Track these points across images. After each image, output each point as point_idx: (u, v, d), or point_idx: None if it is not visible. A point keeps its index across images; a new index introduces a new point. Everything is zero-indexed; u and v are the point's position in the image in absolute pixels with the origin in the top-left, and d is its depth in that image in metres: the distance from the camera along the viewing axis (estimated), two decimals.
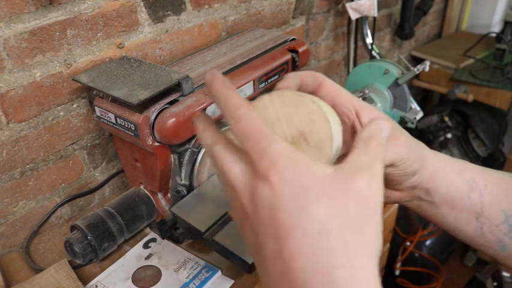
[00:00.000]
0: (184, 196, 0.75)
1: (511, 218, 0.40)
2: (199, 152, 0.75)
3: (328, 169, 0.27)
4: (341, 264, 0.25)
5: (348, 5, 1.27)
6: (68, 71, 0.78)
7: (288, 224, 0.25)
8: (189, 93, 0.70)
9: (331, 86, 0.36)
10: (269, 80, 0.83)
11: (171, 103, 0.68)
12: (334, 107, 0.36)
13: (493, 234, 0.40)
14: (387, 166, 0.36)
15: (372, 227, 0.26)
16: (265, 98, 0.33)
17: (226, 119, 0.29)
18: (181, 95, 0.69)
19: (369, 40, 1.43)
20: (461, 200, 0.40)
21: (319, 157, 0.32)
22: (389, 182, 0.39)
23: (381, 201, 0.28)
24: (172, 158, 0.73)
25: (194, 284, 0.70)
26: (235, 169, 0.29)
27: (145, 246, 0.79)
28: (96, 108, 0.70)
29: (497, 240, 0.40)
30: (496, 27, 1.97)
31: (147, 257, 0.76)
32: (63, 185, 0.85)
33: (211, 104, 0.71)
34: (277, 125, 0.32)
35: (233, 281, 0.71)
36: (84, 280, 0.72)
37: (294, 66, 0.90)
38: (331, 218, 0.25)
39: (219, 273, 0.72)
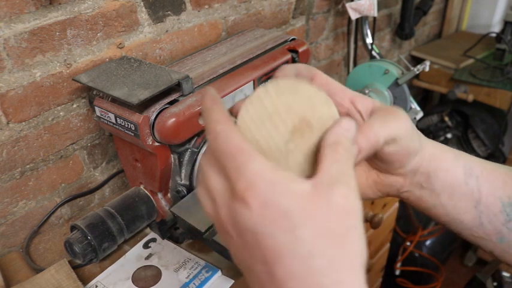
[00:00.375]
0: (184, 196, 0.75)
1: (508, 207, 0.40)
2: (199, 152, 0.75)
3: (306, 186, 0.27)
4: (330, 282, 0.25)
5: (348, 5, 1.27)
6: (68, 71, 0.78)
7: (275, 249, 0.26)
8: (189, 93, 0.70)
9: (324, 78, 0.37)
10: (269, 80, 0.83)
11: (171, 103, 0.68)
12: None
13: (492, 225, 0.40)
14: (389, 144, 0.36)
15: (355, 239, 0.27)
16: (260, 91, 0.32)
17: (206, 134, 0.29)
18: (181, 95, 0.69)
19: (369, 40, 1.43)
20: (459, 186, 0.40)
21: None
22: (392, 165, 0.38)
23: (360, 209, 0.28)
24: (172, 158, 0.73)
25: (194, 284, 0.70)
26: (215, 181, 0.29)
27: (145, 246, 0.79)
28: (96, 108, 0.70)
29: (496, 231, 0.40)
30: (496, 27, 1.97)
31: (147, 257, 0.76)
32: (63, 185, 0.85)
33: None
34: (276, 116, 0.31)
35: (233, 281, 0.71)
36: (84, 280, 0.72)
37: None
38: (317, 237, 0.26)
39: (219, 273, 0.72)
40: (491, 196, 0.40)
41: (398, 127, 0.35)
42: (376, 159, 0.39)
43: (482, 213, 0.40)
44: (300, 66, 0.36)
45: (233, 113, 0.33)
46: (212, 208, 0.29)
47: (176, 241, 0.80)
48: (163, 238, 0.80)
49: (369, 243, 1.18)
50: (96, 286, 0.71)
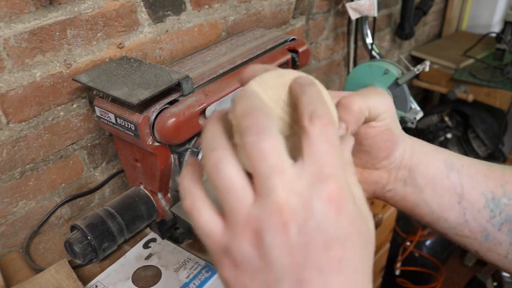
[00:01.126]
0: None
1: (491, 202, 0.39)
2: (199, 152, 0.75)
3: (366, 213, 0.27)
4: None
5: (348, 5, 1.27)
6: (68, 71, 0.78)
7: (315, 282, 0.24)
8: (189, 93, 0.70)
9: None
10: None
11: (171, 103, 0.68)
12: None
13: (476, 221, 0.39)
14: (374, 121, 0.35)
15: (371, 252, 0.27)
16: (249, 87, 0.29)
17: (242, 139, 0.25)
18: (181, 95, 0.69)
19: (369, 40, 1.43)
20: (441, 179, 0.39)
21: None
22: (378, 153, 0.38)
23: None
24: (172, 158, 0.73)
25: (194, 284, 0.70)
26: (291, 170, 0.25)
27: (145, 246, 0.79)
28: (96, 108, 0.70)
29: (481, 228, 0.39)
30: (496, 27, 1.97)
31: (147, 257, 0.76)
32: (63, 185, 0.85)
33: (211, 104, 0.71)
34: (270, 112, 0.29)
35: None
36: (84, 280, 0.72)
37: (294, 66, 0.90)
38: (356, 257, 0.25)
39: None
40: (474, 191, 0.39)
41: (380, 101, 0.35)
42: (362, 149, 0.38)
43: (467, 209, 0.39)
44: (269, 67, 0.33)
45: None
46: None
47: (176, 241, 0.80)
48: (163, 238, 0.80)
49: None
50: (96, 286, 0.71)
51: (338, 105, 0.34)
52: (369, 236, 0.27)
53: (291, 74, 0.30)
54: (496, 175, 0.40)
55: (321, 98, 0.27)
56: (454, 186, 0.39)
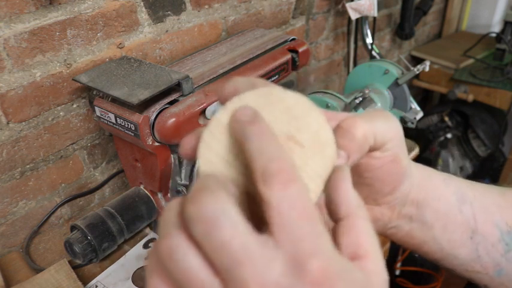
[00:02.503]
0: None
1: (507, 236, 0.35)
2: None
3: (361, 275, 0.22)
4: None
5: (348, 5, 1.27)
6: (68, 71, 0.78)
7: None
8: (189, 93, 0.70)
9: None
10: (269, 80, 0.83)
11: (171, 103, 0.68)
12: None
13: (490, 256, 0.35)
14: (379, 149, 0.30)
15: None
16: (221, 116, 0.25)
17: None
18: (181, 95, 0.69)
19: (369, 40, 1.43)
20: (453, 215, 0.35)
21: (323, 154, 0.25)
22: (382, 186, 0.32)
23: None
24: (172, 158, 0.73)
25: None
26: (262, 254, 0.20)
27: (146, 246, 0.79)
28: (96, 108, 0.70)
29: (494, 263, 0.35)
30: (496, 27, 1.97)
31: (147, 257, 0.76)
32: (63, 185, 0.85)
33: (211, 104, 0.71)
34: None
35: None
36: (84, 280, 0.72)
37: (294, 66, 0.90)
38: None
39: None
40: (487, 224, 0.35)
41: (389, 127, 0.30)
42: (362, 182, 0.32)
43: (479, 244, 0.35)
44: (255, 81, 0.27)
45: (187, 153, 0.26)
46: None
47: None
48: None
49: None
50: (96, 286, 0.71)
51: (337, 128, 0.28)
52: None
53: (279, 94, 0.25)
54: (509, 204, 0.36)
55: (271, 140, 0.22)
56: (467, 221, 0.35)
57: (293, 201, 0.20)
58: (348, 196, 0.25)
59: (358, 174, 0.31)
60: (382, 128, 0.29)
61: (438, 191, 0.35)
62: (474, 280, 0.37)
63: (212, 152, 0.24)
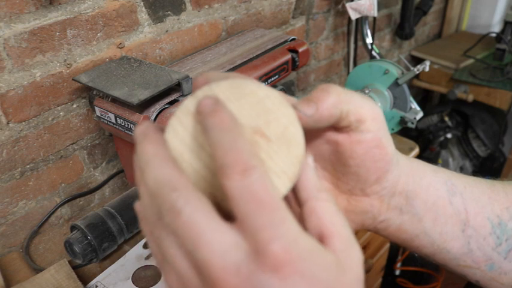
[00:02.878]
0: None
1: (498, 228, 0.35)
2: None
3: (331, 256, 0.23)
4: None
5: (348, 5, 1.27)
6: (68, 71, 0.78)
7: None
8: (189, 93, 0.70)
9: None
10: (269, 80, 0.83)
11: (171, 103, 0.68)
12: None
13: (481, 250, 0.35)
14: (357, 128, 0.29)
15: None
16: (189, 103, 0.24)
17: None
18: (181, 95, 0.69)
19: (368, 40, 1.43)
20: (443, 206, 0.34)
21: (290, 150, 0.25)
22: (368, 174, 0.31)
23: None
24: None
25: None
26: (223, 240, 0.21)
27: (145, 246, 0.79)
28: (96, 108, 0.70)
29: (486, 257, 0.35)
30: (496, 27, 1.97)
31: (147, 257, 0.76)
32: (63, 185, 0.85)
33: None
34: None
35: None
36: (84, 280, 0.72)
37: (294, 66, 0.90)
38: None
39: None
40: (479, 216, 0.34)
41: (366, 104, 0.29)
42: (348, 171, 0.32)
43: (471, 237, 0.35)
44: (229, 74, 0.28)
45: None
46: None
47: None
48: None
49: (369, 243, 1.18)
50: (96, 286, 0.71)
51: (315, 89, 0.29)
52: (349, 277, 0.23)
53: (250, 86, 0.25)
54: (500, 196, 0.35)
55: (230, 131, 0.22)
56: (457, 213, 0.34)
57: (251, 190, 0.21)
58: (308, 181, 0.26)
59: (343, 163, 0.31)
60: (359, 102, 0.29)
61: (427, 182, 0.34)
62: (466, 275, 0.37)
63: (178, 138, 0.24)
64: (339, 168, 0.31)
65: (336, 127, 0.30)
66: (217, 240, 0.21)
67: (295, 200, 0.28)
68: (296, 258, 0.20)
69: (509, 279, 0.36)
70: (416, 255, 1.62)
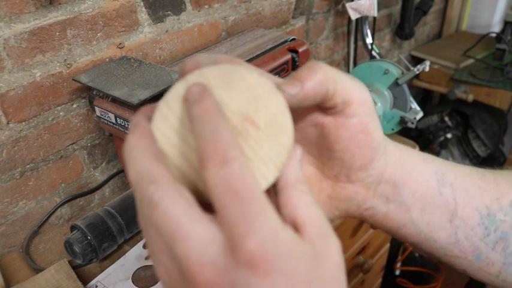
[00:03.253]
0: None
1: (487, 219, 0.34)
2: None
3: (307, 247, 0.22)
4: None
5: (348, 5, 1.27)
6: (68, 71, 0.78)
7: None
8: None
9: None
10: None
11: None
12: None
13: (468, 240, 0.34)
14: (344, 110, 0.29)
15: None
16: (178, 88, 0.24)
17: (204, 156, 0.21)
18: None
19: (368, 40, 1.43)
20: (432, 197, 0.33)
21: (278, 139, 0.25)
22: (353, 160, 0.31)
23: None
24: None
25: None
26: (201, 234, 0.21)
27: (145, 246, 0.79)
28: (96, 108, 0.70)
29: (473, 247, 0.34)
30: (496, 27, 1.97)
31: (147, 257, 0.76)
32: (63, 185, 0.85)
33: None
34: None
35: None
36: (84, 280, 0.72)
37: (294, 66, 0.90)
38: None
39: None
40: (468, 207, 0.34)
41: (354, 86, 0.29)
42: (333, 156, 0.31)
43: (459, 228, 0.34)
44: (218, 57, 0.27)
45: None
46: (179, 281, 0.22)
47: None
48: None
49: (369, 243, 1.18)
50: (96, 286, 0.71)
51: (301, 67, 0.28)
52: (328, 265, 0.23)
53: (241, 72, 0.25)
54: (490, 187, 0.35)
55: (213, 120, 0.21)
56: (446, 204, 0.34)
57: (227, 182, 0.20)
58: (290, 170, 0.26)
59: (329, 148, 0.31)
60: (348, 83, 0.28)
61: (417, 172, 0.33)
62: (453, 265, 0.36)
63: (166, 123, 0.24)
64: (325, 152, 0.31)
65: (323, 108, 0.29)
66: (195, 234, 0.20)
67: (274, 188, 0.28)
68: (273, 254, 0.20)
69: (497, 269, 0.35)
70: (417, 254, 1.63)
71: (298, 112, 0.29)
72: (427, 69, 1.06)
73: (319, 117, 0.30)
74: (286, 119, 0.25)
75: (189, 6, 0.94)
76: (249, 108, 0.24)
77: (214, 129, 0.21)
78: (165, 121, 0.24)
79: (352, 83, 0.29)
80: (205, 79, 0.24)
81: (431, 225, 0.34)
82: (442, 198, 0.33)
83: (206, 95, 0.22)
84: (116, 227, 0.71)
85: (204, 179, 0.21)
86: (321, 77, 0.27)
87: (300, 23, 1.27)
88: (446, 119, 1.86)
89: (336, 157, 0.31)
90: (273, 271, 0.20)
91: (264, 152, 0.24)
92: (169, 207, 0.21)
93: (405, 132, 1.79)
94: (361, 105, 0.29)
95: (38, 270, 0.73)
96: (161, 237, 0.21)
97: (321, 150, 0.32)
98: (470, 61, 1.72)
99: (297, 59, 0.89)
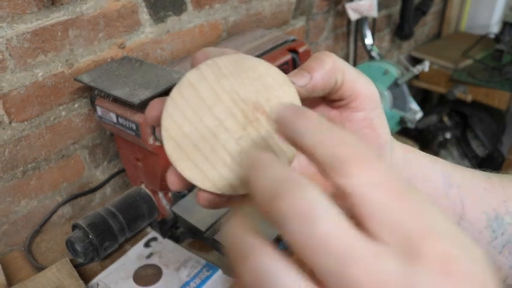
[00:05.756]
0: (185, 195, 0.76)
1: (494, 222, 0.33)
2: None
3: (480, 252, 0.18)
4: None
5: (347, 5, 1.27)
6: (69, 71, 0.78)
7: None
8: None
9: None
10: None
11: None
12: None
13: None
14: (351, 102, 0.28)
15: None
16: (191, 75, 0.24)
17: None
18: None
19: (368, 40, 1.44)
20: (439, 198, 0.32)
21: None
22: None
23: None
24: None
25: (195, 282, 0.71)
26: (386, 261, 0.16)
27: (146, 245, 0.79)
28: (98, 108, 0.71)
29: None
30: (495, 28, 1.98)
31: (148, 256, 0.77)
32: (64, 184, 0.86)
33: None
34: (219, 107, 0.24)
35: None
36: (86, 279, 0.72)
37: (294, 66, 0.90)
38: None
39: (220, 272, 0.73)
40: (475, 209, 0.33)
41: (361, 79, 0.28)
42: None
43: (466, 231, 0.33)
44: (226, 50, 0.27)
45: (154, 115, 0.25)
46: None
47: (177, 240, 0.80)
48: (164, 237, 0.80)
49: None
50: (98, 285, 0.71)
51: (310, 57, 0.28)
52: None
53: (251, 62, 0.25)
54: (496, 189, 0.34)
55: (331, 128, 0.19)
56: (453, 205, 0.33)
57: (381, 183, 0.17)
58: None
59: None
60: (355, 75, 0.28)
61: (424, 171, 0.32)
62: None
63: (178, 111, 0.24)
64: None
65: (329, 101, 0.29)
66: (367, 250, 0.16)
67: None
68: (455, 255, 0.17)
69: (503, 274, 0.34)
70: None
71: (304, 105, 0.29)
72: (426, 69, 1.07)
73: (324, 111, 0.30)
74: (289, 94, 0.25)
75: (190, 6, 0.94)
76: (260, 97, 0.24)
77: (336, 129, 0.19)
78: (176, 108, 0.24)
79: (359, 76, 0.28)
80: (218, 67, 0.24)
81: None
82: (448, 200, 0.33)
83: (303, 110, 0.20)
84: (117, 226, 0.72)
85: (348, 190, 0.17)
86: (329, 67, 0.27)
87: (300, 23, 1.27)
88: (446, 119, 1.86)
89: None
90: (457, 272, 0.17)
91: (275, 142, 0.24)
92: (334, 222, 0.17)
93: (405, 132, 1.80)
94: (368, 99, 0.28)
95: (39, 268, 0.74)
96: (314, 264, 0.17)
97: None
98: (469, 61, 1.73)
99: (297, 59, 0.89)
